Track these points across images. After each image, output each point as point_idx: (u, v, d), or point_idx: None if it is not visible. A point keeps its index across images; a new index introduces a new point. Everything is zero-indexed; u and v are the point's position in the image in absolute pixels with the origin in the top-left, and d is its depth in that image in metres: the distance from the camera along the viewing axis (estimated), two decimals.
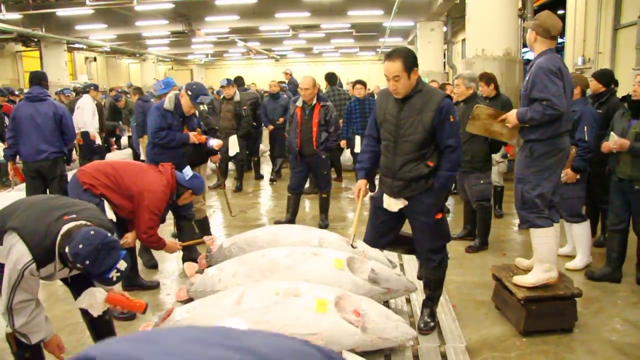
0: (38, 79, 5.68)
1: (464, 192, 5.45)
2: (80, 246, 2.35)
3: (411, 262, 4.76)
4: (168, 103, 4.70)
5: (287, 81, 11.41)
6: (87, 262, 2.36)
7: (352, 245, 3.58)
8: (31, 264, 2.43)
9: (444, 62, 18.51)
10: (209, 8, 17.52)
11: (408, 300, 3.94)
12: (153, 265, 4.78)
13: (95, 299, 2.66)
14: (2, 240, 2.52)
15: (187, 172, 4.23)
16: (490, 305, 4.01)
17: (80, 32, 19.86)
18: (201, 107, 5.23)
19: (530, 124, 3.50)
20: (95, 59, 27.80)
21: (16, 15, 15.89)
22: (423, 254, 3.48)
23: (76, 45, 22.59)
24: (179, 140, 4.71)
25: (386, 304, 3.71)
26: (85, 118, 8.45)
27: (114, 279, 2.44)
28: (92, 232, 2.40)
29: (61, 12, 16.29)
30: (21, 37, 18.20)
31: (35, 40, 18.88)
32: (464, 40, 17.39)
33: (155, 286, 4.46)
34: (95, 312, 2.69)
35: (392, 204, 3.36)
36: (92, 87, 9.24)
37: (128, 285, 4.29)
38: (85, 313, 3.00)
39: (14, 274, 2.44)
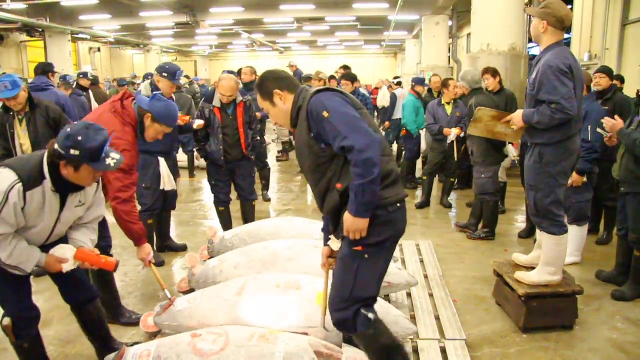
0: (43, 70, 5.73)
1: None
2: (69, 129, 2.42)
3: (412, 257, 4.76)
4: (145, 90, 4.66)
5: (292, 73, 11.30)
6: (79, 137, 2.37)
7: (324, 328, 2.75)
8: (17, 183, 2.37)
9: (449, 57, 18.44)
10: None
11: (409, 295, 3.94)
12: (159, 263, 4.75)
13: (64, 254, 2.66)
14: None
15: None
16: (491, 301, 4.01)
17: (85, 22, 19.87)
18: (181, 81, 5.15)
19: (538, 127, 3.32)
20: (99, 50, 27.78)
21: (21, 5, 15.87)
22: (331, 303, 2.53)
23: (80, 36, 22.57)
24: None
25: (387, 298, 3.71)
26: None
27: (112, 164, 2.45)
28: (76, 122, 2.56)
29: (66, 2, 16.29)
30: (25, 27, 18.17)
31: (40, 30, 18.84)
32: (469, 34, 17.33)
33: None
34: (65, 269, 2.68)
35: (334, 243, 2.58)
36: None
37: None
38: (77, 314, 3.01)
39: None
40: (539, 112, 3.27)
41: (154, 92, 4.53)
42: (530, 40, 9.53)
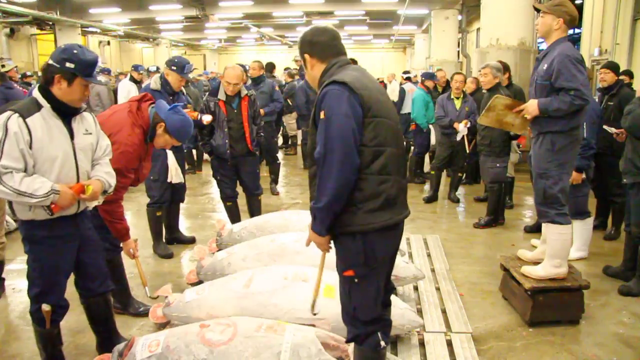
0: None
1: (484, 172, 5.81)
2: (63, 46, 2.57)
3: (420, 250, 4.78)
4: (154, 84, 4.65)
5: (298, 67, 11.27)
6: (75, 51, 2.52)
7: (313, 313, 2.60)
8: (12, 114, 2.42)
9: (458, 51, 18.35)
10: None
11: (416, 288, 3.96)
12: (168, 255, 4.83)
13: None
14: None
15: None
16: (498, 295, 4.02)
17: (95, 15, 19.93)
18: (190, 75, 5.06)
19: (555, 114, 3.37)
20: (109, 43, 27.87)
21: None
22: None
23: (90, 29, 22.68)
24: None
25: (394, 291, 3.73)
26: (119, 101, 8.63)
27: (102, 80, 2.75)
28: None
29: None
30: (36, 20, 18.28)
31: (50, 23, 18.96)
32: (478, 29, 17.21)
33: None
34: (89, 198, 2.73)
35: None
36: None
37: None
38: (87, 305, 3.04)
39: None
40: (558, 99, 3.34)
41: (163, 87, 4.58)
42: None
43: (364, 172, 2.16)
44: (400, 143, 2.31)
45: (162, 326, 3.34)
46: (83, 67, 2.52)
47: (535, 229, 5.44)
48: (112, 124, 3.25)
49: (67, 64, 2.49)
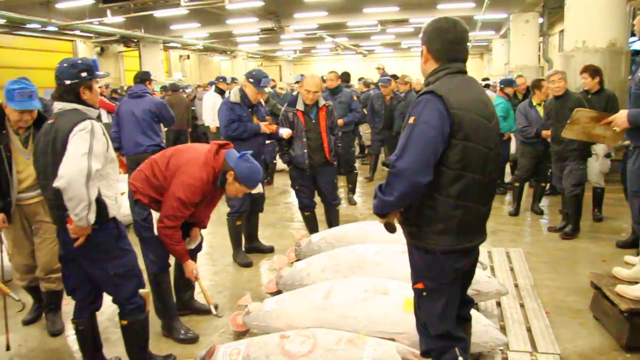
0: (141, 78, 6.12)
1: (560, 181, 5.63)
2: (65, 64, 2.73)
3: (502, 265, 4.60)
4: (234, 96, 4.74)
5: (380, 75, 11.15)
6: (79, 62, 2.75)
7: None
8: (91, 120, 2.63)
9: (539, 56, 17.64)
10: (298, 5, 17.80)
11: (498, 304, 3.81)
12: (247, 264, 4.93)
13: None
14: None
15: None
16: (588, 314, 3.78)
17: (175, 31, 21.00)
18: (266, 89, 5.16)
19: None
20: (188, 57, 29.16)
21: (119, 19, 17.00)
22: None
23: (171, 44, 23.85)
24: (250, 130, 4.73)
25: (475, 306, 3.61)
26: (203, 112, 9.32)
27: (102, 73, 2.90)
28: None
29: (158, 13, 17.19)
30: (122, 38, 19.55)
31: (135, 41, 20.18)
32: (561, 31, 16.46)
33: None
34: None
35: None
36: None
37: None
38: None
39: (85, 135, 2.55)
40: None
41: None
42: (632, 34, 8.82)
43: (440, 192, 2.13)
44: (490, 171, 2.22)
45: (241, 334, 3.41)
46: (92, 70, 2.76)
47: (629, 245, 5.08)
48: (186, 157, 3.34)
49: (83, 74, 2.71)
